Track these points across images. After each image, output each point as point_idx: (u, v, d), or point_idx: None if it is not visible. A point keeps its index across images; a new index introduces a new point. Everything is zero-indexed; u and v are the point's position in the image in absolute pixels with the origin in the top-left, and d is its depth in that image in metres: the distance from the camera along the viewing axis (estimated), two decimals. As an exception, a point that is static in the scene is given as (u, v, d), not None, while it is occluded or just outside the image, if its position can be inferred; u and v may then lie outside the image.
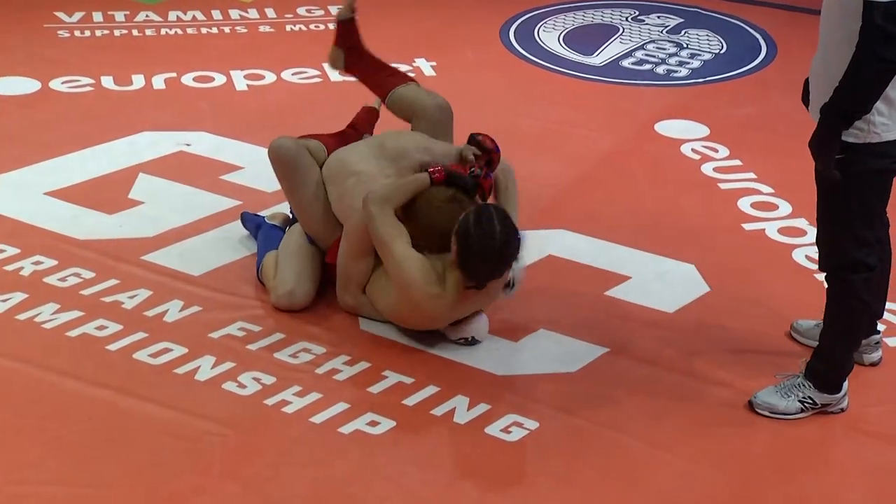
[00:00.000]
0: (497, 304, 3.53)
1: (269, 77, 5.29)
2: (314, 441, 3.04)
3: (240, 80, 5.24)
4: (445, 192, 3.38)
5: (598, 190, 4.37)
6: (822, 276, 3.84)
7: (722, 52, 5.80)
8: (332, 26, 5.88)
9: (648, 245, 3.93)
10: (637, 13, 6.28)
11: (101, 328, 3.43)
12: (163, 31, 5.77)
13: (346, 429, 3.08)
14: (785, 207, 4.33)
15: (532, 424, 3.12)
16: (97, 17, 5.88)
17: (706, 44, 5.90)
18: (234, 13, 6.04)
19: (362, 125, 3.98)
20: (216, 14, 6.00)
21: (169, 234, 3.96)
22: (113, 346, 3.36)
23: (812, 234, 4.06)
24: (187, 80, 5.23)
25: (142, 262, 3.78)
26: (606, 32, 6.00)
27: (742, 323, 3.62)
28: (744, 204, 4.35)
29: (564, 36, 5.95)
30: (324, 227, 3.58)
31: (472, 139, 3.51)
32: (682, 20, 6.19)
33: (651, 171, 4.61)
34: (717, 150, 4.77)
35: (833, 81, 2.82)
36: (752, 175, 4.56)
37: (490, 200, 3.49)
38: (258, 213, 3.93)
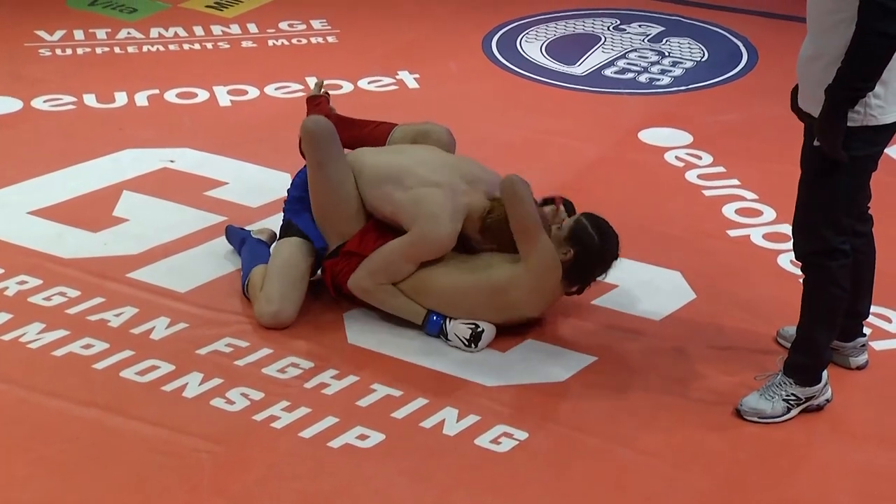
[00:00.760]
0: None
1: (253, 92, 5.29)
2: (303, 456, 3.03)
3: (223, 96, 5.24)
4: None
5: (582, 198, 4.37)
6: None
7: (703, 59, 5.83)
8: (314, 40, 5.94)
9: (634, 253, 3.94)
10: (618, 22, 6.31)
11: (87, 347, 3.42)
12: (145, 48, 5.77)
13: (336, 443, 3.07)
14: (769, 213, 4.34)
15: (521, 435, 3.12)
16: (78, 35, 5.87)
17: (688, 52, 5.93)
18: (217, 29, 6.04)
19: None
20: (198, 30, 6.00)
21: (154, 250, 3.95)
22: (99, 365, 3.34)
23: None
24: (170, 96, 5.22)
25: (127, 280, 3.77)
26: (588, 42, 6.02)
27: (729, 329, 3.63)
28: (728, 210, 4.37)
29: (547, 46, 5.97)
30: (345, 212, 3.52)
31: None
32: (663, 28, 6.21)
33: (635, 178, 4.63)
34: (700, 158, 4.78)
35: (828, 65, 2.84)
36: (735, 181, 4.58)
37: None
38: (244, 228, 3.92)
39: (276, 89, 5.33)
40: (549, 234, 3.45)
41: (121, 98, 5.17)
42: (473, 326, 3.42)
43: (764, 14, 6.42)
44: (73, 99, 5.16)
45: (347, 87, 5.38)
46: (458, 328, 3.43)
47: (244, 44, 5.88)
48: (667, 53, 5.89)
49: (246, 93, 5.28)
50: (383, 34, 6.03)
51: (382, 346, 3.48)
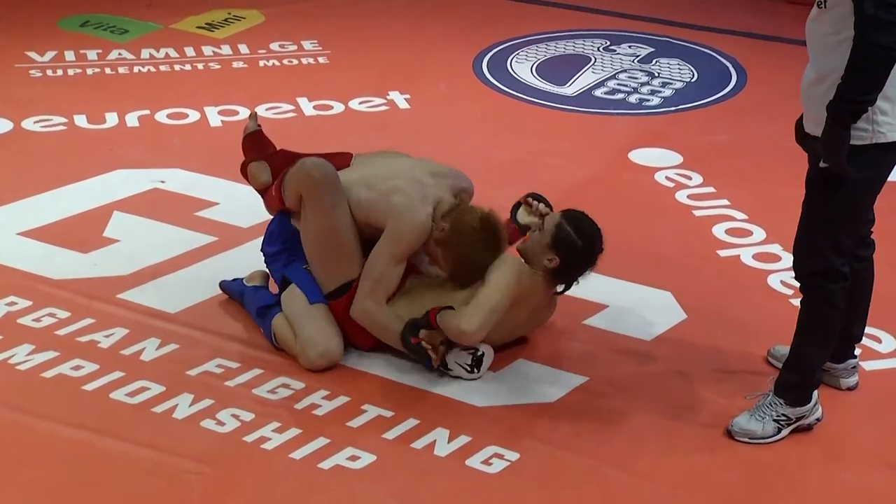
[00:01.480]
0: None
1: (244, 112, 5.29)
2: (294, 477, 3.02)
3: (214, 116, 5.24)
4: (473, 217, 3.43)
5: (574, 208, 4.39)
6: (797, 301, 3.87)
7: (693, 80, 5.86)
8: (305, 61, 5.96)
9: (624, 273, 3.94)
10: (608, 43, 6.34)
11: (76, 368, 3.41)
12: (136, 69, 5.78)
13: (326, 464, 3.06)
14: (759, 233, 4.36)
15: (513, 455, 3.11)
16: (69, 55, 5.88)
17: (677, 72, 5.96)
18: (208, 49, 6.05)
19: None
20: (189, 51, 6.01)
21: (144, 271, 3.94)
22: (89, 386, 3.33)
23: (787, 259, 4.11)
24: (161, 117, 5.22)
25: (118, 301, 3.76)
26: (579, 63, 6.05)
27: (719, 349, 3.63)
28: (718, 231, 4.38)
29: (537, 66, 5.99)
30: (352, 250, 3.47)
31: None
32: (653, 49, 6.25)
33: (626, 199, 4.64)
34: (690, 178, 4.80)
35: (831, 86, 2.86)
36: (725, 202, 4.59)
37: None
38: (234, 279, 3.79)
39: (267, 110, 5.33)
40: (529, 239, 3.45)
41: (111, 119, 5.18)
42: (473, 351, 3.41)
43: (751, 35, 6.46)
44: (63, 120, 5.16)
45: (338, 107, 5.39)
46: (458, 356, 3.40)
47: (235, 64, 5.89)
48: (656, 74, 5.92)
49: (237, 113, 5.29)
50: (374, 55, 6.05)
51: (373, 367, 3.47)
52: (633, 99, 5.61)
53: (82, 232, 4.20)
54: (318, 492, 2.97)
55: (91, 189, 4.54)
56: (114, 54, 5.93)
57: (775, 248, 4.22)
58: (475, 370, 3.41)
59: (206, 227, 4.26)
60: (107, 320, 3.65)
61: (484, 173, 4.46)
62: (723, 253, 4.23)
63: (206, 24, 6.41)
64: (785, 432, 3.18)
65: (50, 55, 5.87)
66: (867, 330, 3.56)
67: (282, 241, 3.62)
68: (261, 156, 3.83)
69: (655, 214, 4.51)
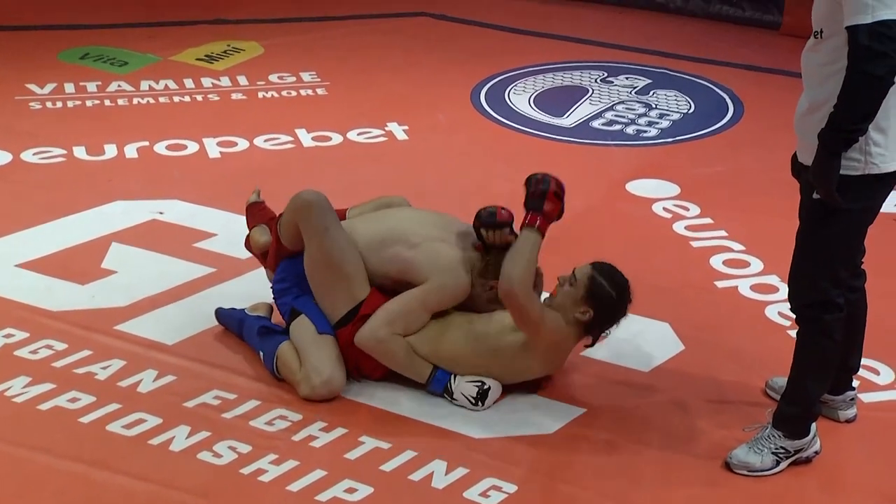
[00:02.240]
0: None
1: (242, 144, 5.31)
2: (291, 510, 3.01)
3: (212, 148, 5.26)
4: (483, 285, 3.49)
5: (570, 249, 4.39)
6: (795, 332, 3.87)
7: (690, 111, 5.88)
8: (304, 92, 5.98)
9: (623, 304, 3.94)
10: (606, 75, 6.37)
11: (73, 400, 3.40)
12: (135, 101, 5.80)
13: (324, 496, 3.05)
14: (756, 264, 4.36)
15: (510, 488, 3.10)
16: (69, 88, 5.90)
17: (674, 104, 5.98)
18: (207, 81, 6.07)
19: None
20: (188, 82, 6.04)
21: (142, 303, 3.94)
22: (86, 419, 3.32)
23: (784, 290, 4.09)
24: (160, 148, 5.24)
25: (115, 332, 3.76)
26: (576, 94, 6.08)
27: (717, 380, 3.63)
28: (716, 262, 4.38)
29: (535, 98, 6.02)
30: (357, 272, 3.49)
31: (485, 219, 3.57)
32: (650, 81, 6.28)
33: (623, 230, 4.64)
34: (688, 209, 4.81)
35: (825, 116, 2.87)
36: (723, 233, 4.60)
37: None
38: (234, 308, 3.80)
39: (266, 141, 5.35)
40: (558, 294, 3.42)
41: (110, 150, 5.19)
42: (480, 384, 3.41)
43: (748, 67, 6.50)
44: (62, 151, 5.17)
45: (337, 138, 5.41)
46: (464, 387, 3.41)
47: (234, 96, 5.92)
48: (654, 105, 5.94)
49: (235, 144, 5.31)
50: (372, 86, 6.08)
51: (371, 399, 3.47)
52: (630, 130, 5.63)
53: (80, 263, 4.21)
54: (315, 525, 2.96)
55: (89, 220, 4.54)
56: (113, 86, 5.95)
57: (773, 280, 4.22)
58: (479, 403, 3.40)
59: (204, 258, 4.27)
60: (104, 352, 3.64)
61: (481, 204, 4.45)
62: (721, 284, 4.23)
63: (206, 55, 6.44)
64: (784, 465, 3.17)
65: (50, 87, 5.90)
66: (865, 362, 3.56)
67: (293, 278, 3.64)
68: (259, 222, 3.89)
69: (653, 245, 4.52)
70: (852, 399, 3.40)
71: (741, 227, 4.63)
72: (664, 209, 4.81)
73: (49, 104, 5.71)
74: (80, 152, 5.17)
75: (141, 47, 6.51)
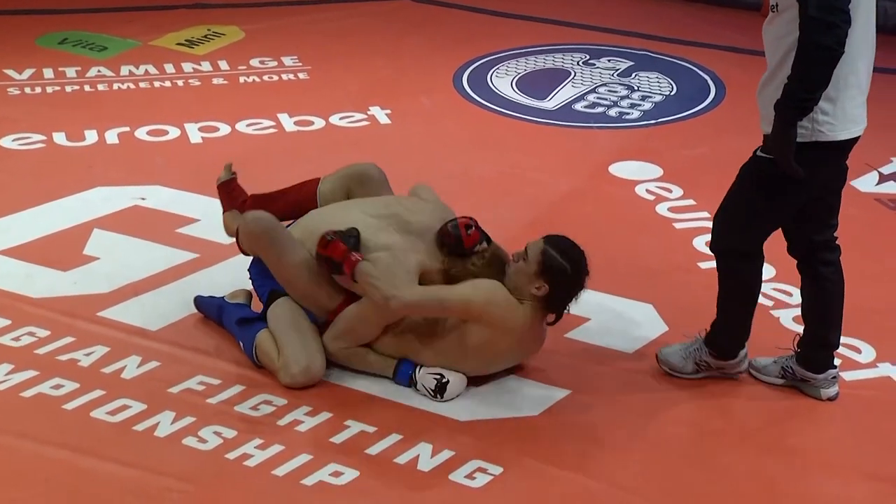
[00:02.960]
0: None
1: (224, 129, 5.29)
2: (277, 494, 3.01)
3: (194, 133, 5.23)
4: (477, 260, 3.44)
5: (553, 232, 4.40)
6: (777, 312, 3.89)
7: (672, 93, 5.89)
8: (285, 77, 5.96)
9: (606, 286, 3.95)
10: (588, 57, 6.37)
11: (57, 387, 3.38)
12: (115, 86, 5.76)
13: (310, 480, 3.05)
14: (739, 245, 4.37)
15: (496, 469, 3.11)
16: (48, 73, 5.86)
17: (657, 86, 5.99)
18: (188, 66, 6.04)
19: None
20: (169, 67, 6.00)
21: (125, 289, 3.93)
22: (69, 405, 3.31)
23: (767, 272, 4.11)
24: (141, 133, 5.21)
25: (98, 319, 3.74)
26: (558, 77, 6.07)
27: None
28: (699, 243, 4.39)
29: (517, 81, 6.01)
30: (319, 288, 3.47)
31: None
32: (632, 63, 6.28)
33: (606, 212, 4.65)
34: (670, 191, 4.82)
35: (780, 85, 2.97)
36: (705, 214, 4.61)
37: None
38: (213, 296, 3.78)
39: (248, 126, 5.33)
40: (507, 273, 3.39)
41: (91, 136, 5.16)
42: (439, 377, 3.39)
43: (730, 49, 6.50)
44: (42, 137, 5.14)
45: (319, 123, 5.40)
46: (425, 378, 3.40)
47: (215, 81, 5.89)
48: (636, 87, 5.94)
49: (217, 130, 5.28)
50: (354, 70, 6.06)
51: (356, 383, 3.47)
52: (613, 112, 5.63)
53: (62, 250, 4.18)
54: (301, 509, 2.96)
55: (70, 207, 4.52)
56: (93, 71, 5.91)
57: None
58: (438, 395, 3.39)
59: (186, 243, 4.25)
60: (87, 338, 3.63)
61: (464, 188, 4.47)
62: (703, 265, 4.24)
63: (186, 40, 6.40)
64: (702, 375, 3.46)
65: (28, 73, 5.85)
66: (847, 340, 3.59)
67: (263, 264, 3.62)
68: (233, 205, 3.87)
69: (636, 227, 4.52)
70: (834, 377, 3.43)
71: (724, 209, 4.63)
72: (647, 191, 4.82)
73: (28, 90, 5.67)
74: (60, 138, 5.13)
75: (120, 32, 6.46)
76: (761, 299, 3.97)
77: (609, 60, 6.32)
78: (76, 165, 4.89)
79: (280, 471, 3.08)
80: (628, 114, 5.62)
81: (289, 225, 3.65)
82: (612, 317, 3.86)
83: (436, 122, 5.48)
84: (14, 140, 5.10)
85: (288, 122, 5.39)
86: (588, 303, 3.86)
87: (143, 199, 4.59)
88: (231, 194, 3.90)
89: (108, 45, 6.29)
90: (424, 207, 3.62)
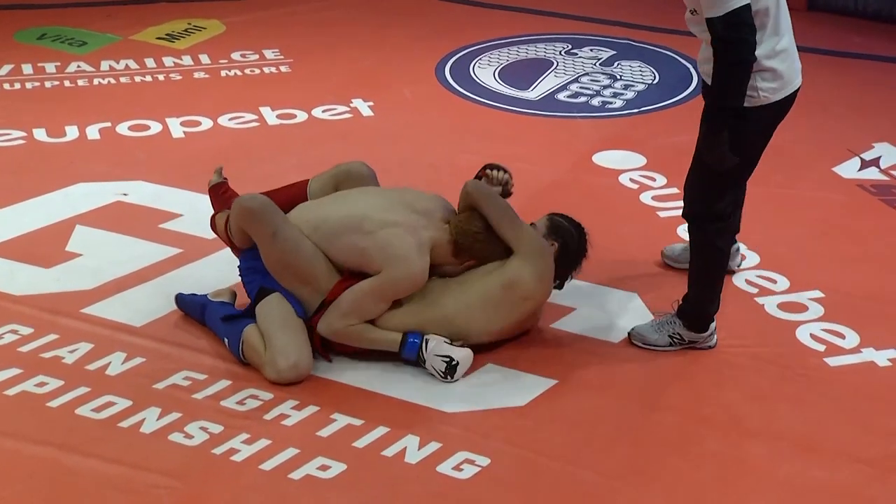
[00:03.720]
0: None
1: (206, 123, 5.27)
2: (265, 488, 3.00)
3: (176, 128, 5.21)
4: (477, 223, 3.54)
5: (539, 223, 4.40)
6: (762, 299, 3.91)
7: (655, 82, 5.89)
8: (267, 70, 5.94)
9: (591, 276, 3.95)
10: (570, 47, 6.37)
11: (41, 385, 3.37)
12: (95, 81, 5.73)
13: (297, 474, 3.04)
14: (723, 232, 4.38)
15: (483, 461, 3.11)
16: (27, 69, 5.82)
17: (639, 75, 5.99)
18: (168, 60, 6.01)
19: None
20: (150, 62, 5.97)
21: (109, 285, 3.91)
22: (54, 403, 3.29)
23: (751, 258, 4.14)
24: (122, 129, 5.18)
25: (82, 315, 3.73)
26: (541, 67, 6.07)
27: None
28: (683, 231, 4.38)
29: (500, 71, 6.00)
30: (317, 267, 3.48)
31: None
32: (614, 52, 6.28)
33: (590, 201, 4.65)
34: (654, 179, 4.82)
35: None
36: (689, 202, 4.62)
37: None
38: (195, 294, 3.76)
39: (230, 120, 5.31)
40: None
41: (72, 132, 5.13)
42: (448, 359, 3.41)
43: (712, 36, 6.50)
44: (22, 134, 5.10)
45: (301, 115, 5.38)
46: (434, 360, 3.41)
47: (196, 75, 5.86)
48: (618, 77, 5.95)
49: (199, 124, 5.26)
50: (336, 63, 6.04)
51: (342, 376, 3.46)
52: (595, 102, 5.63)
53: (44, 247, 4.16)
54: (289, 502, 2.95)
55: (52, 203, 4.49)
56: (73, 67, 5.88)
57: (740, 248, 4.24)
58: (448, 377, 3.41)
59: (170, 239, 4.23)
60: (71, 335, 3.61)
61: (449, 179, 4.46)
62: (688, 253, 4.25)
63: (167, 34, 6.37)
64: (675, 348, 3.55)
65: (7, 69, 5.81)
66: (832, 326, 3.62)
67: (256, 257, 3.60)
68: (224, 207, 3.85)
69: (620, 216, 4.53)
70: (737, 249, 3.92)
71: (707, 197, 4.64)
72: (631, 180, 4.82)
73: (6, 86, 5.63)
74: (40, 134, 5.10)
75: (100, 27, 6.42)
76: (745, 286, 4.01)
77: (591, 50, 6.32)
78: (57, 162, 4.86)
79: (267, 465, 3.07)
80: (611, 103, 5.62)
81: None
82: (597, 306, 3.86)
83: (419, 114, 5.47)
84: (-6, 137, 5.07)
85: (270, 116, 5.37)
86: (573, 292, 3.88)
87: (125, 194, 4.57)
88: (222, 196, 3.90)
89: (87, 39, 6.25)
90: (425, 194, 3.67)
